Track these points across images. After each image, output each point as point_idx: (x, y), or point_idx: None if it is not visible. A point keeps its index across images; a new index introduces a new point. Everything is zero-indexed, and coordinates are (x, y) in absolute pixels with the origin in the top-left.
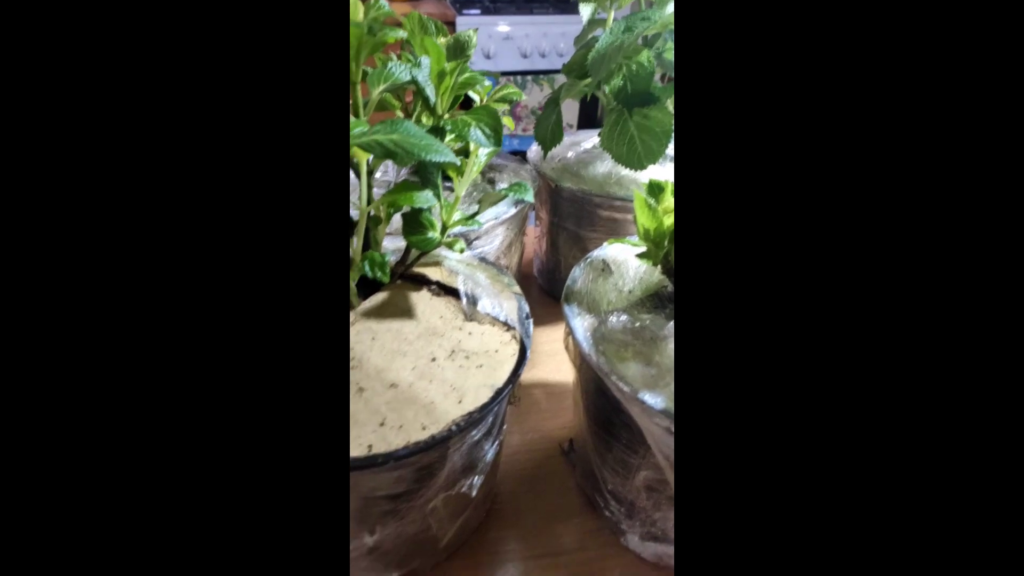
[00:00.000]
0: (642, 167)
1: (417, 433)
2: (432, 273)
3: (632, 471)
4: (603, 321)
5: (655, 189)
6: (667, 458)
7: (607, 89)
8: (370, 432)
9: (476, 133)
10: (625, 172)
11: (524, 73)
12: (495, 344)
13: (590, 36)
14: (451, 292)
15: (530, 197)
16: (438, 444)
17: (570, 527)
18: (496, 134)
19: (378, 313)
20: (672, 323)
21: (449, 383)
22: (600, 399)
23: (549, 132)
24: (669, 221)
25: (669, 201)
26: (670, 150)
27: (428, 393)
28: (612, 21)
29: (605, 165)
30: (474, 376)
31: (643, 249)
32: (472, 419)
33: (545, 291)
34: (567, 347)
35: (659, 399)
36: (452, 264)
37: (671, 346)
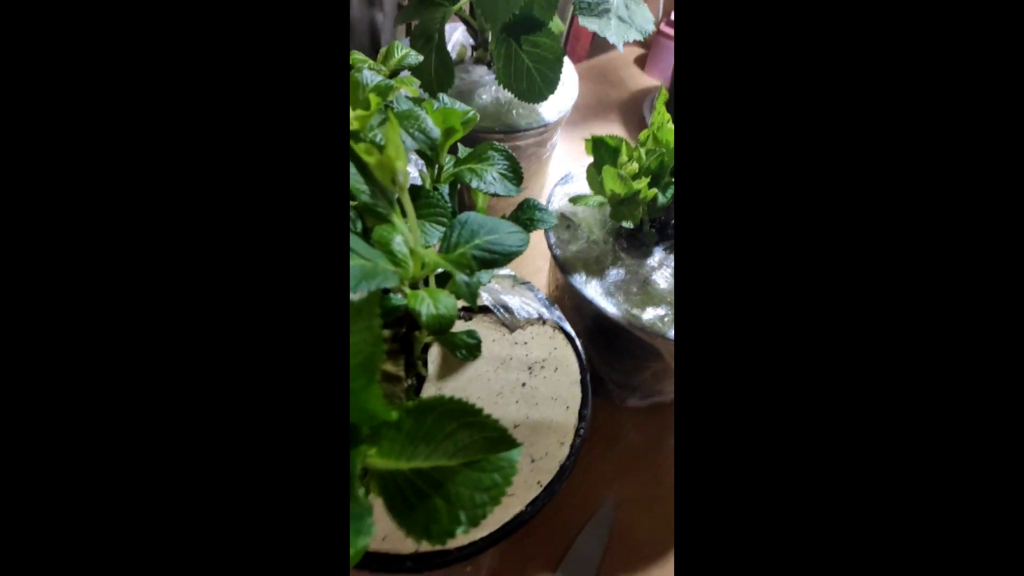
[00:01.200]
0: (543, 99)
1: (559, 451)
2: None
3: (643, 370)
4: (602, 280)
5: (610, 151)
6: None
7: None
8: (528, 472)
9: (495, 180)
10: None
11: None
12: (548, 343)
13: None
14: (475, 311)
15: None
16: (576, 450)
17: None
18: (517, 175)
19: (446, 373)
20: (648, 259)
21: (549, 397)
22: (614, 337)
23: (434, 75)
24: (639, 184)
25: (633, 167)
26: None
27: (543, 414)
28: None
29: (490, 91)
30: (559, 380)
31: (608, 209)
32: (583, 416)
33: None
34: (563, 303)
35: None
36: None
37: (655, 277)
